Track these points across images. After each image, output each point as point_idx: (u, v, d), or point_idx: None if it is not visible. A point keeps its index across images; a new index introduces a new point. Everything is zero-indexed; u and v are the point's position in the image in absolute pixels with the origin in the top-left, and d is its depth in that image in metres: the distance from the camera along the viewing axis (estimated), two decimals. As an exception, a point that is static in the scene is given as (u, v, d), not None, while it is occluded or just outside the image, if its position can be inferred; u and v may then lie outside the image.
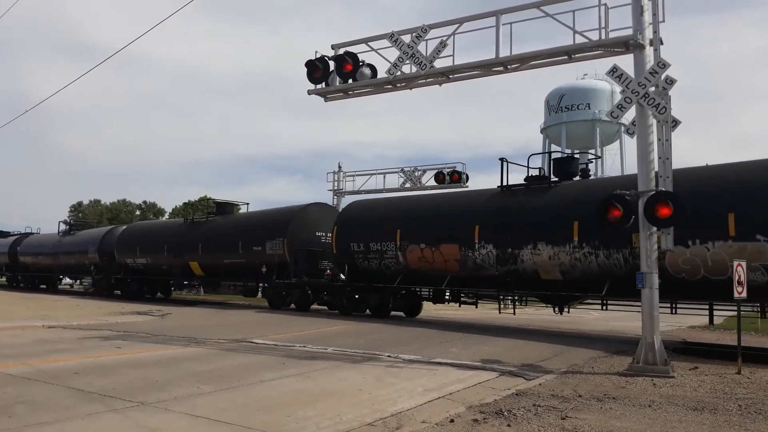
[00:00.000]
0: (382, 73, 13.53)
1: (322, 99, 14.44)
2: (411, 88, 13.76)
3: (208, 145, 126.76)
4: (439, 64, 12.86)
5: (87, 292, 36.09)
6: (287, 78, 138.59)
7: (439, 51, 12.75)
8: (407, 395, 7.90)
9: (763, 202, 12.52)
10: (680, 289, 13.58)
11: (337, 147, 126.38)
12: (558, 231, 15.40)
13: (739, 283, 10.34)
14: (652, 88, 10.25)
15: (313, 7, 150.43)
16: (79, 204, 75.23)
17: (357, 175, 29.93)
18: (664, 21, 10.51)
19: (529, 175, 17.83)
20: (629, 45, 10.76)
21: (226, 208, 28.40)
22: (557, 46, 11.83)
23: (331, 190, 29.98)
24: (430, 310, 22.59)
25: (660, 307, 14.38)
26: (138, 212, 73.53)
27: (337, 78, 13.86)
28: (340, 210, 24.74)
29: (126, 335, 14.02)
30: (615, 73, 10.50)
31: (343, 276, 21.19)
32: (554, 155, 20.17)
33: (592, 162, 20.61)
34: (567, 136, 49.40)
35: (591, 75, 49.46)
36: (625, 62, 10.74)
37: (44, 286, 39.60)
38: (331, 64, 13.85)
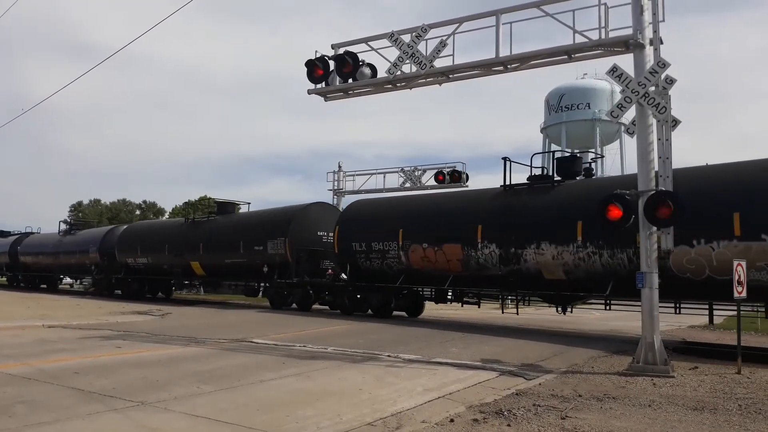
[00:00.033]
0: (382, 73, 13.54)
1: (322, 99, 14.45)
2: (411, 88, 13.76)
3: (208, 145, 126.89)
4: (439, 63, 12.86)
5: (87, 292, 36.09)
6: (287, 78, 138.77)
7: (439, 51, 12.75)
8: (407, 395, 7.90)
9: None
10: (684, 288, 13.54)
11: (337, 147, 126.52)
12: (561, 230, 15.33)
13: (739, 282, 10.34)
14: (652, 88, 10.24)
15: (313, 7, 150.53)
16: (79, 204, 75.22)
17: (357, 175, 29.97)
18: (664, 20, 10.51)
19: (532, 174, 17.78)
20: (629, 44, 10.76)
21: (227, 207, 28.37)
22: (557, 46, 11.83)
23: (331, 190, 30.02)
24: (432, 310, 22.56)
25: (664, 307, 14.46)
26: (138, 212, 73.50)
27: (337, 78, 13.87)
28: (342, 210, 24.73)
29: (126, 335, 14.02)
30: (615, 72, 10.50)
31: (344, 276, 21.15)
32: (557, 154, 20.04)
33: (595, 161, 20.49)
34: (567, 136, 49.44)
35: (591, 75, 49.51)
36: (625, 62, 10.75)
37: (44, 286, 39.59)
38: (331, 64, 13.85)
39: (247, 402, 7.29)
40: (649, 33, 10.53)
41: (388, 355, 11.31)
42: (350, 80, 13.73)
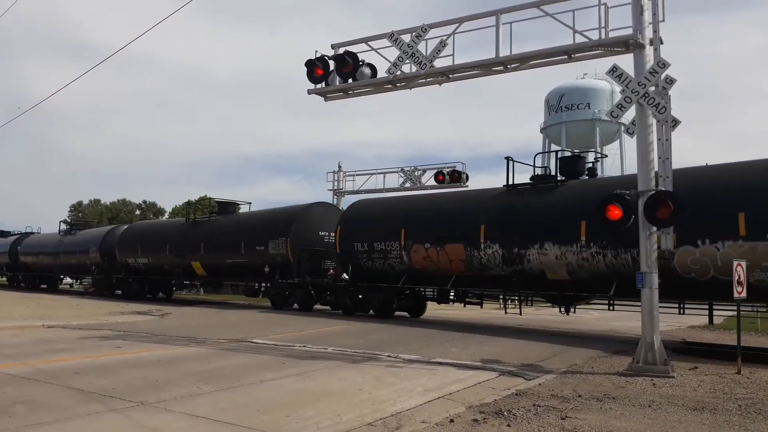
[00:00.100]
0: (382, 73, 13.53)
1: (322, 99, 14.45)
2: (411, 88, 13.76)
3: (208, 145, 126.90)
4: (439, 63, 12.86)
5: (87, 292, 36.09)
6: (287, 78, 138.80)
7: (439, 50, 12.75)
8: (407, 395, 7.90)
9: None
10: (689, 289, 13.49)
11: (337, 147, 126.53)
12: (565, 230, 15.25)
13: (739, 282, 10.34)
14: (652, 88, 10.24)
15: (313, 7, 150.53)
16: (79, 204, 75.23)
17: (357, 175, 29.95)
18: (664, 20, 10.51)
19: (535, 174, 17.74)
20: (629, 44, 10.76)
21: (228, 207, 28.27)
22: (557, 46, 11.83)
23: (331, 190, 29.99)
24: (434, 310, 22.55)
25: (668, 307, 14.45)
26: (138, 212, 73.51)
27: (337, 77, 13.87)
28: (343, 209, 24.69)
29: (126, 335, 14.02)
30: (615, 72, 10.50)
31: (346, 276, 21.11)
32: (560, 154, 19.90)
33: (598, 161, 20.42)
34: (567, 136, 49.45)
35: (591, 75, 49.51)
36: (625, 62, 10.75)
37: (45, 286, 39.58)
38: (331, 64, 13.85)
39: (247, 402, 7.29)
40: (649, 33, 10.53)
41: (388, 356, 11.31)
42: (350, 80, 13.72)
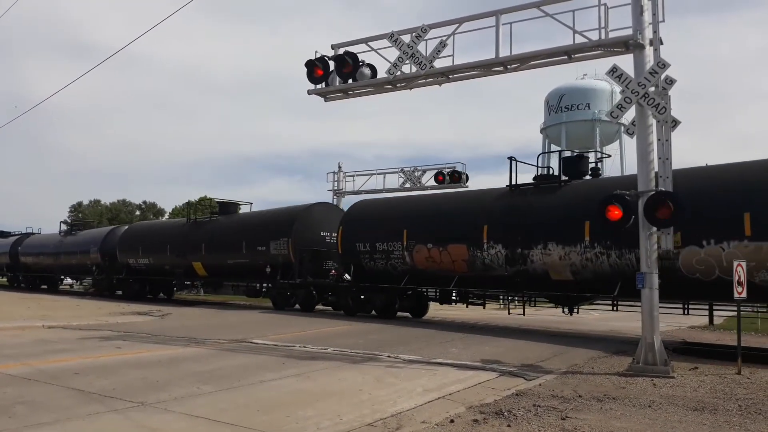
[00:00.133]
0: (382, 73, 13.54)
1: (322, 99, 14.45)
2: (411, 88, 13.76)
3: (208, 145, 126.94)
4: (438, 64, 12.86)
5: (87, 293, 36.08)
6: (287, 78, 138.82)
7: (439, 51, 12.76)
8: (407, 395, 7.90)
9: None
10: (694, 289, 13.45)
11: (337, 147, 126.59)
12: (569, 231, 15.19)
13: (739, 283, 10.34)
14: (652, 88, 10.25)
15: (313, 7, 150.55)
16: (79, 204, 75.25)
17: (357, 175, 29.94)
18: (663, 21, 10.52)
19: (538, 174, 17.70)
20: (629, 45, 10.76)
21: (229, 207, 28.21)
22: (557, 46, 11.83)
23: (331, 190, 29.99)
24: (436, 310, 22.51)
25: (672, 307, 14.42)
26: (138, 212, 73.52)
27: (337, 78, 13.87)
28: (345, 210, 24.65)
29: (126, 335, 14.02)
30: (615, 73, 10.50)
31: (348, 276, 21.07)
32: (563, 154, 19.74)
33: (601, 161, 20.34)
34: (567, 136, 49.44)
35: (591, 75, 49.52)
36: (625, 62, 10.75)
37: (45, 287, 39.57)
38: (331, 64, 13.85)
39: (247, 402, 7.29)
40: (649, 33, 10.53)
41: (388, 356, 11.31)
42: (350, 81, 13.73)
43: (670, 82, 10.17)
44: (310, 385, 8.49)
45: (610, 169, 48.17)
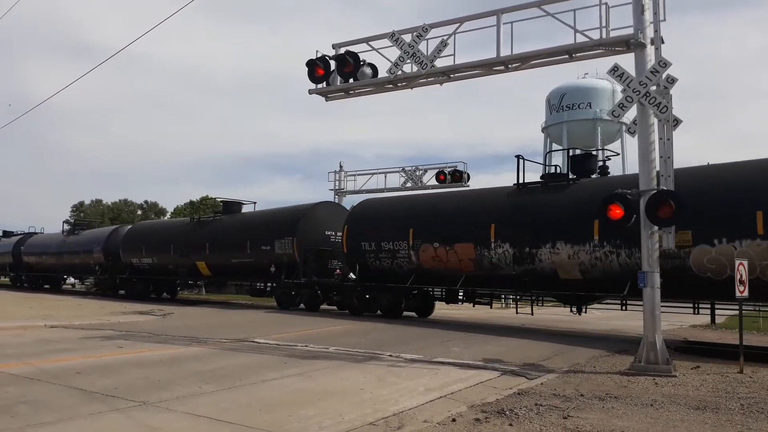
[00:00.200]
0: (383, 73, 13.55)
1: (323, 98, 14.47)
2: (412, 88, 13.77)
3: (208, 145, 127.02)
4: (439, 63, 12.87)
5: (90, 292, 36.13)
6: (287, 78, 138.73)
7: (440, 50, 12.76)
8: (409, 395, 7.90)
9: None
10: (705, 288, 13.38)
11: (337, 146, 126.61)
12: (577, 229, 15.08)
13: (741, 282, 10.33)
14: (653, 87, 10.23)
15: (313, 7, 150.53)
16: (81, 204, 75.38)
17: (358, 175, 30.00)
18: (665, 20, 10.50)
19: (546, 172, 17.62)
20: (630, 44, 10.75)
21: (232, 207, 28.13)
22: (558, 46, 11.84)
23: (332, 190, 30.03)
24: (443, 310, 22.44)
25: (680, 306, 14.35)
26: (139, 212, 73.64)
27: (338, 77, 13.88)
28: (350, 209, 24.61)
29: (128, 335, 14.04)
30: (616, 72, 10.49)
31: (353, 275, 21.03)
32: (571, 152, 19.52)
33: (610, 159, 20.24)
34: (568, 135, 49.31)
35: (592, 74, 49.40)
36: (626, 61, 10.74)
37: (48, 286, 39.61)
38: (332, 64, 13.87)
39: (249, 402, 7.30)
40: (650, 32, 10.52)
41: (390, 355, 11.31)
42: (351, 80, 13.74)
43: (672, 80, 10.16)
44: (311, 385, 8.50)
45: (612, 167, 48.10)
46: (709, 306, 14.72)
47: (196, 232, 27.43)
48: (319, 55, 13.87)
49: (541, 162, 18.14)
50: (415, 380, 8.97)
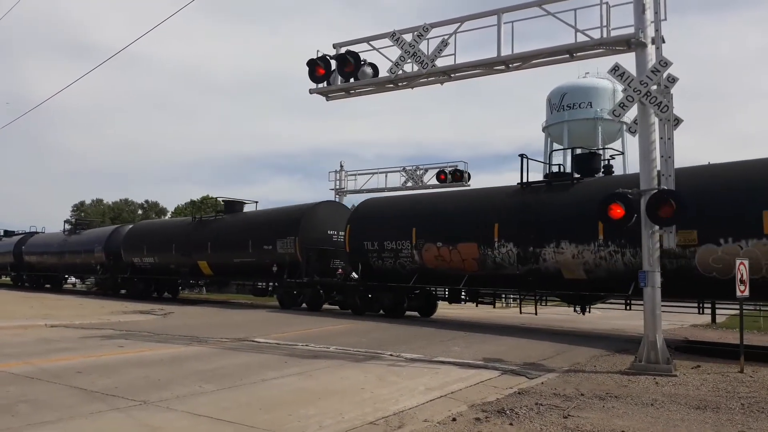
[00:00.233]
0: (383, 72, 13.55)
1: (324, 98, 14.47)
2: (412, 87, 13.77)
3: (208, 144, 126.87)
4: (440, 62, 12.87)
5: (90, 292, 36.14)
6: (287, 78, 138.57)
7: (441, 50, 12.76)
8: (409, 394, 7.90)
9: None
10: (710, 288, 13.32)
11: (338, 146, 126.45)
12: (582, 229, 14.98)
13: (741, 281, 10.32)
14: (654, 87, 10.23)
15: (313, 7, 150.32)
16: (82, 203, 75.42)
17: (359, 174, 30.02)
18: (665, 19, 10.50)
19: (550, 171, 17.57)
20: (631, 43, 10.75)
21: (234, 206, 28.09)
22: (559, 45, 11.83)
23: (332, 189, 30.04)
24: (445, 309, 22.39)
25: (688, 307, 14.30)
26: (140, 212, 73.67)
27: (339, 77, 13.88)
28: (351, 209, 24.58)
29: (128, 334, 14.05)
30: (617, 71, 10.48)
31: (355, 275, 21.00)
32: (576, 151, 19.39)
33: (614, 158, 20.11)
34: (569, 135, 49.25)
35: (593, 73, 49.38)
36: (627, 61, 10.74)
37: (48, 286, 39.63)
38: (333, 63, 13.87)
39: (249, 401, 7.30)
40: (650, 32, 10.52)
41: (390, 354, 11.32)
42: (352, 79, 13.73)
43: (672, 80, 10.15)
44: (312, 384, 8.50)
45: (614, 167, 48.06)
46: (705, 305, 14.71)
47: (198, 231, 27.40)
48: (319, 54, 13.87)
49: (540, 162, 18.04)
50: (416, 379, 8.97)
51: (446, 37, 12.78)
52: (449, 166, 27.04)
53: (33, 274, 40.08)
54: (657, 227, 10.26)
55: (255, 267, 24.48)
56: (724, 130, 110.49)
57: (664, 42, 10.46)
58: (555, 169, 18.17)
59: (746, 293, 10.38)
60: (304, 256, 22.23)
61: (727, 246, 12.79)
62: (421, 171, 27.70)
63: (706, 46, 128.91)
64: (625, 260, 14.42)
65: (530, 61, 12.32)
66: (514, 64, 12.48)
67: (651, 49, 10.51)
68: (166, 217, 63.87)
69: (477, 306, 19.51)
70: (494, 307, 20.14)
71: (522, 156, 17.13)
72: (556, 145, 48.34)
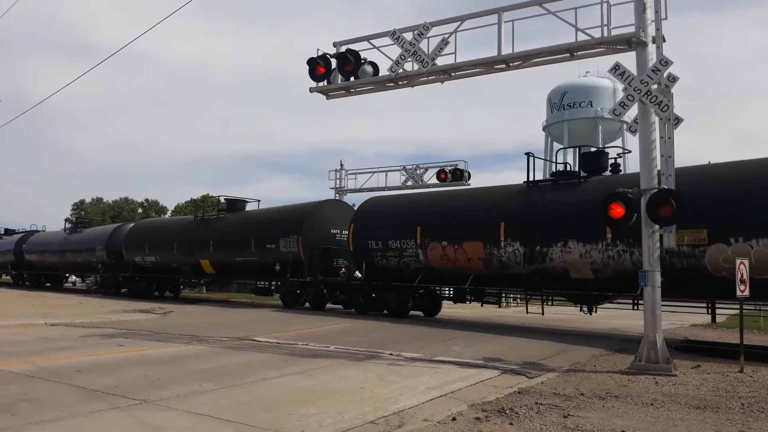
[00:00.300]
0: (384, 71, 13.54)
1: (324, 97, 14.46)
2: (413, 86, 13.76)
3: (208, 144, 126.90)
4: (441, 61, 12.86)
5: (91, 290, 36.12)
6: (287, 77, 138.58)
7: (441, 48, 12.75)
8: (409, 393, 7.90)
9: None
10: (720, 288, 13.09)
11: (338, 145, 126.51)
12: (590, 228, 14.75)
13: (742, 281, 10.31)
14: (655, 86, 10.21)
15: (313, 7, 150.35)
16: (82, 202, 75.38)
17: (359, 173, 29.96)
18: (666, 18, 10.47)
19: (556, 170, 17.50)
20: (631, 42, 10.74)
21: (236, 205, 27.94)
22: (559, 44, 11.83)
23: (333, 188, 30.00)
24: (450, 309, 22.35)
25: (695, 307, 14.24)
26: (140, 211, 73.61)
27: (339, 76, 13.87)
28: (355, 207, 24.49)
29: (128, 333, 14.05)
30: (617, 70, 10.47)
31: (359, 274, 20.90)
32: (581, 150, 19.31)
33: (621, 156, 19.91)
34: (569, 134, 49.28)
35: (593, 72, 49.41)
36: (628, 60, 10.72)
37: (49, 284, 39.60)
38: (333, 62, 13.86)
39: (249, 400, 7.30)
40: (651, 31, 10.50)
41: (390, 354, 11.32)
42: (352, 78, 13.72)
43: (673, 79, 10.14)
44: (312, 383, 8.50)
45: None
46: (700, 305, 14.68)
47: (200, 230, 27.29)
48: (320, 53, 13.86)
49: (546, 160, 17.96)
50: (416, 379, 8.97)
51: (446, 35, 12.77)
52: (449, 165, 27.00)
53: (33, 273, 40.00)
54: (657, 227, 10.25)
55: (257, 266, 24.42)
56: (725, 129, 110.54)
57: (664, 41, 10.44)
58: (560, 167, 18.07)
59: (746, 293, 10.37)
60: (307, 255, 22.14)
61: (738, 246, 12.66)
62: (421, 170, 27.67)
63: (706, 45, 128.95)
64: (634, 260, 14.22)
65: (531, 60, 12.31)
66: (515, 63, 12.47)
67: (651, 48, 10.50)
68: (166, 216, 63.82)
69: (482, 305, 19.38)
70: (500, 306, 20.04)
71: (528, 154, 17.00)
72: (557, 145, 48.30)
